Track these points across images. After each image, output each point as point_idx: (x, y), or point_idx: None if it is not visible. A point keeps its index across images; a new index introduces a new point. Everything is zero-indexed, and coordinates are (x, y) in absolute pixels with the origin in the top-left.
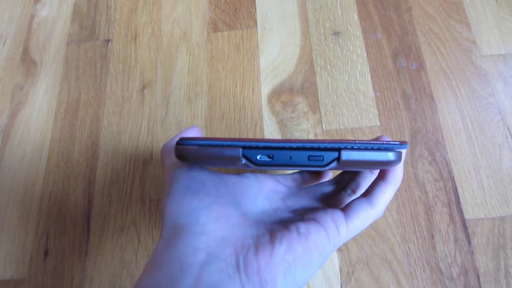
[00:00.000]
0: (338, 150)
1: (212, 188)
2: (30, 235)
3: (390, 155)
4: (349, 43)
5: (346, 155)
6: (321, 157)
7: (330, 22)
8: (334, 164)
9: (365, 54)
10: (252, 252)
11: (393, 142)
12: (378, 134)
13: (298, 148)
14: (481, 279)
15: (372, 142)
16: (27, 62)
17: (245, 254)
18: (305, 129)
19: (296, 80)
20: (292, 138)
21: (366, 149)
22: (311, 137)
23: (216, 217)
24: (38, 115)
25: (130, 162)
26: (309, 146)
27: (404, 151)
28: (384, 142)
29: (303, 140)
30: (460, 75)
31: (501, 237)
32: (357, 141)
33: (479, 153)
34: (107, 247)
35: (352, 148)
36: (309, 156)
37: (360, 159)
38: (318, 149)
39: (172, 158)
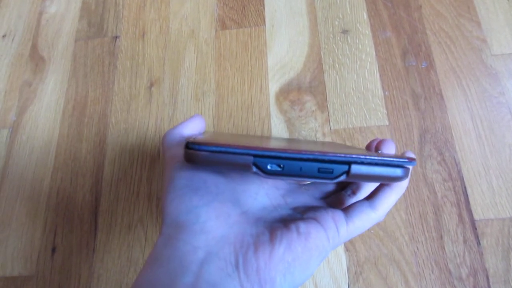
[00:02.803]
0: (349, 164)
1: (212, 185)
2: (38, 232)
3: (398, 172)
4: (358, 41)
5: (355, 169)
6: (331, 170)
7: (339, 20)
8: (343, 177)
9: (374, 53)
10: (252, 251)
11: (402, 159)
12: (387, 134)
13: (308, 160)
14: (491, 280)
15: (381, 157)
16: (36, 59)
17: (244, 253)
18: (313, 128)
19: (304, 79)
20: (300, 137)
21: (376, 164)
22: (319, 136)
23: (216, 215)
24: (46, 112)
25: (137, 160)
26: (320, 158)
27: (411, 168)
28: (394, 159)
29: (314, 151)
30: (470, 74)
31: (510, 238)
32: (367, 155)
33: (489, 153)
34: (115, 244)
35: (362, 163)
36: (319, 168)
37: (369, 173)
38: (329, 161)
39: (174, 151)
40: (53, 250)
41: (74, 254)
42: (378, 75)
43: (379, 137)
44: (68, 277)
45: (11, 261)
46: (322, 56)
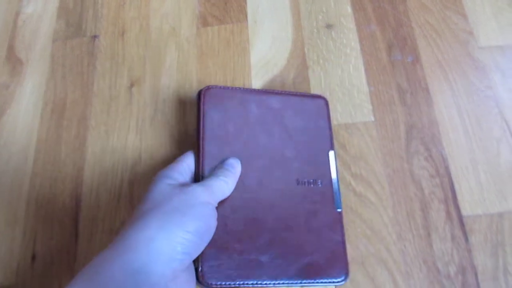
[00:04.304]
0: None
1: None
2: (17, 240)
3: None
4: (342, 36)
5: None
6: None
7: (322, 15)
8: None
9: (359, 47)
10: None
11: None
12: (373, 130)
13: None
14: (479, 278)
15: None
16: (13, 61)
17: None
18: None
19: (288, 75)
20: None
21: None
22: None
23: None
24: (24, 115)
25: (118, 163)
26: None
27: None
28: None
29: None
30: (457, 68)
31: (499, 234)
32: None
33: (476, 148)
34: (96, 251)
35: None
36: None
37: None
38: None
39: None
40: (33, 258)
41: (55, 262)
42: (363, 70)
43: (365, 133)
44: (49, 285)
45: None
46: (306, 52)
